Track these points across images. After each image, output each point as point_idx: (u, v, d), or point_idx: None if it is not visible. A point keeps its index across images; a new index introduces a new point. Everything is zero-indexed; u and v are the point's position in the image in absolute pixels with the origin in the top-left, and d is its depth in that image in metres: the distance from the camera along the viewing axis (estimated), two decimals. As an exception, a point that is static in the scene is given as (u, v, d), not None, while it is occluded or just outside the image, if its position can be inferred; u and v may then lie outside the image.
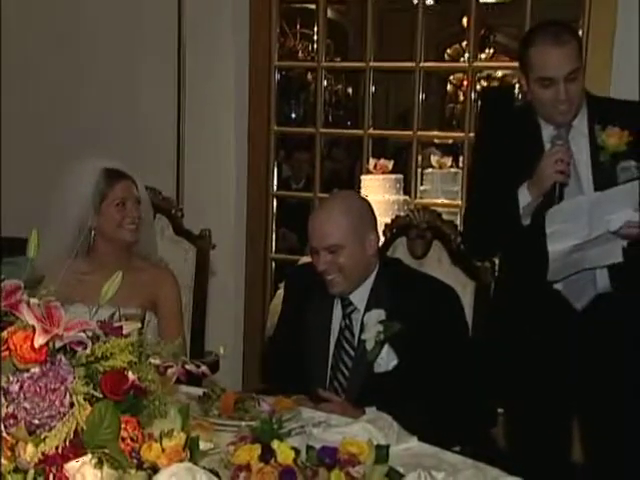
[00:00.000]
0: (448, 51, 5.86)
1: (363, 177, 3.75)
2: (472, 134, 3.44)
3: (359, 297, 2.17)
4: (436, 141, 4.77)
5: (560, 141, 2.15)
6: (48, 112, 3.82)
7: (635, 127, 2.12)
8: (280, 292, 2.48)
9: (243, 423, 1.73)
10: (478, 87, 5.63)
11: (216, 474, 1.33)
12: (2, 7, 3.69)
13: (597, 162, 2.15)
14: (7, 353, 1.27)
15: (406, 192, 3.77)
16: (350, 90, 6.70)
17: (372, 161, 3.78)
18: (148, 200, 2.52)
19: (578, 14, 3.21)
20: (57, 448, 1.23)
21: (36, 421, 1.23)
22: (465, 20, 4.02)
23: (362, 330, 2.13)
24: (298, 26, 6.02)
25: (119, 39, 3.71)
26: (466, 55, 3.85)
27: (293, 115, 6.21)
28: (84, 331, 1.30)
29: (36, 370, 1.25)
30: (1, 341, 1.27)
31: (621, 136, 2.11)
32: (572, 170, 2.14)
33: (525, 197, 2.16)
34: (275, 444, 1.41)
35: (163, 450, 1.27)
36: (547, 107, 2.16)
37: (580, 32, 3.06)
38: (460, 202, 3.65)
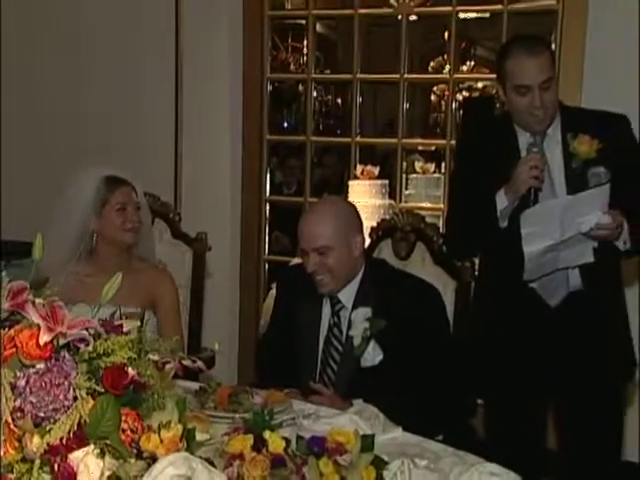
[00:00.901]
0: (432, 64, 5.87)
1: (351, 182, 3.75)
2: (453, 141, 3.46)
3: (347, 296, 2.18)
4: (420, 148, 4.78)
5: (535, 148, 2.15)
6: (53, 124, 3.82)
7: (604, 135, 2.13)
8: (273, 292, 2.48)
9: (237, 415, 1.74)
10: (460, 97, 5.66)
11: (211, 463, 1.34)
12: (2, 12, 3.69)
13: (569, 168, 2.16)
14: (14, 350, 1.28)
15: (391, 196, 3.78)
16: (339, 100, 6.70)
17: (359, 167, 3.78)
18: (146, 205, 2.52)
19: (551, 29, 3.24)
20: (62, 439, 1.24)
21: (42, 414, 1.24)
22: (446, 34, 4.03)
23: (350, 327, 2.14)
24: (290, 40, 6.03)
25: (120, 54, 3.71)
26: (447, 67, 3.87)
27: (285, 124, 6.21)
28: (86, 329, 1.30)
29: (41, 366, 1.26)
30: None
31: (591, 144, 2.12)
32: (546, 175, 2.14)
33: (502, 201, 2.17)
34: (267, 434, 1.41)
35: (161, 441, 1.27)
36: (523, 114, 2.17)
37: (553, 45, 3.09)
38: (442, 206, 3.66)
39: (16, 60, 3.78)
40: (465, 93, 5.79)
